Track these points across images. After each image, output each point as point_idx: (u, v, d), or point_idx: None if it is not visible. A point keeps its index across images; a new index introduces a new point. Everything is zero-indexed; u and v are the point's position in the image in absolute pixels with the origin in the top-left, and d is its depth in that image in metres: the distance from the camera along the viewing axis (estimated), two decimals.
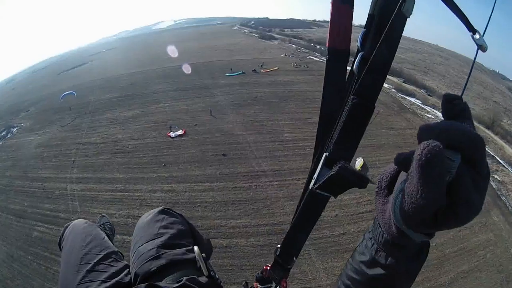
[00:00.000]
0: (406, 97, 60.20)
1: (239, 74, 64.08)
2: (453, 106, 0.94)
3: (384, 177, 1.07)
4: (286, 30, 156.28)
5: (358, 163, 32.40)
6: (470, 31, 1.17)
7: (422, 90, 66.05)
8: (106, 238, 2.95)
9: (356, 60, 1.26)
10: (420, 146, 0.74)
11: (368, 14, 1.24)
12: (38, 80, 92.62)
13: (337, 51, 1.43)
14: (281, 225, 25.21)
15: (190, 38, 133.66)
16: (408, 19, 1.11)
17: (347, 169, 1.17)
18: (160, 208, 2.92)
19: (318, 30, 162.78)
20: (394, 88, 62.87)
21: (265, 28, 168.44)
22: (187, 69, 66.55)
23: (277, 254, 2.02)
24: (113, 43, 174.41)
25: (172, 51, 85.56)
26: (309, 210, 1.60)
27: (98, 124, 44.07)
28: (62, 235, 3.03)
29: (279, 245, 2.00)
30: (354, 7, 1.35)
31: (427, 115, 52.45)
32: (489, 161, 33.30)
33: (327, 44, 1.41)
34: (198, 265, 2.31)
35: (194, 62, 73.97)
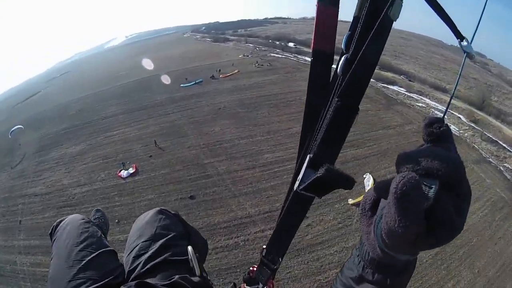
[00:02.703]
0: (389, 86, 54.71)
1: (196, 83, 56.47)
2: (434, 129, 0.97)
3: (367, 200, 1.10)
4: (239, 30, 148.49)
5: (368, 181, 27.27)
6: (457, 38, 1.23)
7: (401, 76, 61.98)
8: (102, 236, 2.88)
9: (341, 62, 1.25)
10: (396, 178, 0.77)
11: (353, 17, 1.26)
12: None
13: (321, 53, 1.40)
14: None
15: (142, 51, 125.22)
16: None
17: (333, 171, 1.11)
18: (157, 208, 2.87)
19: (273, 27, 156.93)
20: (373, 78, 54.41)
21: (217, 31, 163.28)
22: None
23: (263, 254, 1.96)
24: (67, 67, 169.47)
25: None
26: (294, 210, 1.55)
27: (43, 166, 37.22)
28: (56, 227, 2.91)
29: (264, 246, 1.95)
30: (339, 9, 1.32)
31: (417, 104, 47.48)
32: (493, 148, 36.59)
33: (312, 46, 1.39)
34: (191, 265, 2.31)
35: (145, 76, 69.02)
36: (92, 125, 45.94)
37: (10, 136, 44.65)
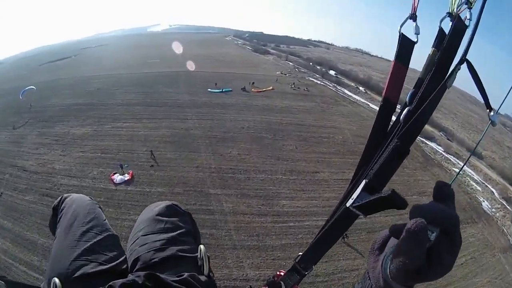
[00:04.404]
0: (427, 142, 51.55)
1: (225, 91, 51.45)
2: (442, 191, 1.11)
3: (377, 241, 1.24)
4: (281, 46, 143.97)
5: None
6: (487, 109, 1.33)
7: (440, 133, 58.88)
8: (107, 220, 2.70)
9: (404, 112, 1.48)
10: (411, 222, 0.91)
11: (419, 78, 1.52)
12: (18, 69, 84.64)
13: (389, 101, 1.65)
14: None
15: (180, 43, 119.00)
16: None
17: (397, 193, 1.21)
18: (169, 202, 2.73)
19: (315, 50, 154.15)
20: None
21: (259, 41, 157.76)
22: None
23: (297, 261, 1.95)
24: (106, 40, 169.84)
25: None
26: (340, 225, 1.62)
27: (42, 139, 34.33)
28: (61, 203, 2.76)
29: (300, 253, 1.95)
30: (408, 68, 1.60)
31: (454, 169, 43.36)
32: None
33: (383, 94, 1.65)
34: (199, 264, 2.28)
35: (175, 70, 64.44)
36: (104, 109, 42.58)
37: (21, 97, 43.08)
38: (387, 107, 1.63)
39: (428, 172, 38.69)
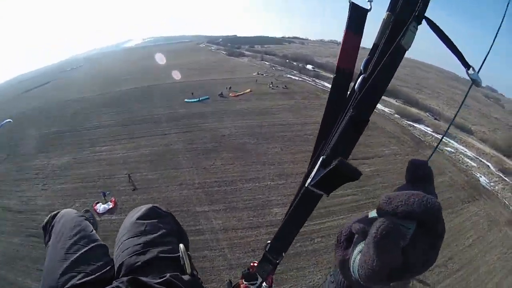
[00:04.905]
0: (415, 125, 51.35)
1: (202, 100, 50.33)
2: (418, 172, 1.03)
3: (343, 232, 1.15)
4: (256, 46, 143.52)
5: None
6: (465, 67, 1.30)
7: (427, 113, 59.02)
8: (94, 231, 2.85)
9: (358, 80, 1.46)
10: (376, 223, 0.83)
11: (373, 44, 1.47)
12: None
13: (343, 71, 1.66)
14: None
15: (153, 56, 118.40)
16: None
17: (345, 162, 1.21)
18: (150, 205, 2.86)
19: (290, 46, 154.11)
20: (398, 113, 55.54)
21: (233, 45, 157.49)
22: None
23: (267, 249, 2.02)
24: (81, 61, 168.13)
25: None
26: (303, 206, 1.64)
27: (23, 175, 32.89)
28: (51, 221, 2.97)
29: (269, 241, 2.00)
30: (362, 37, 1.59)
31: (446, 149, 43.07)
32: None
33: (336, 64, 1.66)
34: (182, 263, 2.29)
35: (151, 84, 63.90)
36: (82, 134, 41.07)
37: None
38: (341, 78, 1.62)
39: (420, 155, 36.57)
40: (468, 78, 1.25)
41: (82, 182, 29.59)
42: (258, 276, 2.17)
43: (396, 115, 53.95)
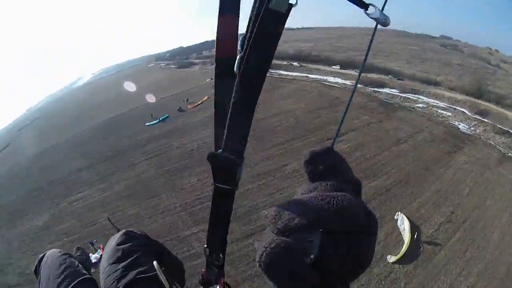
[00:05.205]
0: (380, 90, 51.35)
1: (163, 119, 49.67)
2: (318, 165, 0.98)
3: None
4: (204, 52, 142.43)
5: (402, 223, 21.90)
6: (361, 7, 1.16)
7: (389, 76, 58.04)
8: (80, 266, 2.92)
9: (236, 61, 1.27)
10: (260, 249, 0.75)
11: (248, 20, 1.28)
12: None
13: (224, 60, 1.40)
14: None
15: (105, 88, 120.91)
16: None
17: (212, 155, 1.25)
18: (123, 230, 2.84)
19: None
20: (361, 83, 53.90)
21: (181, 56, 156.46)
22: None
23: (207, 254, 1.93)
24: (37, 113, 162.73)
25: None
26: (218, 203, 1.58)
27: (13, 245, 31.37)
28: (39, 264, 3.08)
29: (206, 246, 1.92)
30: (239, 16, 1.35)
31: (417, 106, 44.25)
32: (509, 140, 33.60)
33: (215, 56, 1.44)
34: (160, 279, 2.28)
35: (110, 116, 63.46)
36: (55, 186, 39.73)
37: None
38: (225, 69, 1.32)
39: (393, 119, 38.39)
40: (375, 20, 1.14)
41: (67, 237, 28.55)
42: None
43: (359, 85, 51.87)
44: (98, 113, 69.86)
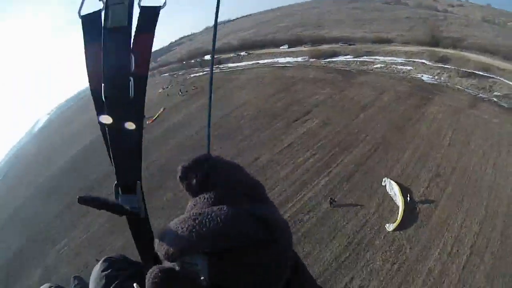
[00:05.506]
0: (334, 59, 50.97)
1: None
2: (191, 180, 0.91)
3: None
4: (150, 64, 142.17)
5: (392, 188, 21.40)
6: None
7: (339, 44, 57.36)
8: None
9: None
10: (148, 277, 0.75)
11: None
12: None
13: (140, 78, 1.35)
14: None
15: (66, 124, 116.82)
16: None
17: (81, 198, 1.12)
18: (104, 258, 2.67)
19: (181, 47, 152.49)
20: (312, 57, 54.33)
21: None
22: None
23: None
24: (4, 167, 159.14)
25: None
26: (132, 230, 1.50)
27: None
28: None
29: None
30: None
31: (375, 67, 44.11)
32: (474, 81, 34.66)
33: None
34: None
35: (73, 152, 61.69)
36: (39, 239, 36.97)
37: None
38: (140, 83, 1.29)
39: (354, 85, 38.36)
40: None
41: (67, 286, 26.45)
42: None
43: (311, 59, 53.34)
44: (64, 150, 68.66)
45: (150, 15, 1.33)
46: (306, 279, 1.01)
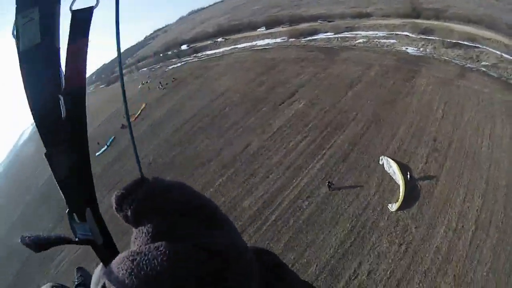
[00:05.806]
0: (315, 37, 51.07)
1: (110, 143, 47.01)
2: (126, 211, 0.82)
3: None
4: (126, 61, 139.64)
5: (389, 166, 21.08)
6: None
7: (318, 21, 57.07)
8: None
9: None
10: None
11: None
12: None
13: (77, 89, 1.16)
14: None
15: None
16: None
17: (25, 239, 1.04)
18: (51, 283, 2.95)
19: (156, 41, 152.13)
20: (291, 37, 54.71)
21: (106, 72, 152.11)
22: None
23: None
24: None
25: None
26: (98, 255, 1.34)
27: None
28: None
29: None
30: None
31: (357, 42, 43.95)
32: (461, 51, 34.37)
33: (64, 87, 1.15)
34: None
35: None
36: (33, 259, 34.86)
37: None
38: (76, 101, 1.10)
39: (338, 62, 38.02)
40: None
41: None
42: None
43: (291, 39, 53.30)
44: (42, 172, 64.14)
45: (82, 19, 1.11)
46: (291, 282, 0.99)
